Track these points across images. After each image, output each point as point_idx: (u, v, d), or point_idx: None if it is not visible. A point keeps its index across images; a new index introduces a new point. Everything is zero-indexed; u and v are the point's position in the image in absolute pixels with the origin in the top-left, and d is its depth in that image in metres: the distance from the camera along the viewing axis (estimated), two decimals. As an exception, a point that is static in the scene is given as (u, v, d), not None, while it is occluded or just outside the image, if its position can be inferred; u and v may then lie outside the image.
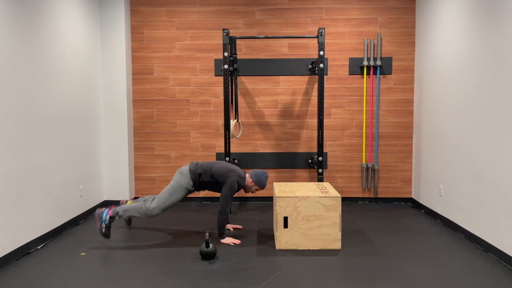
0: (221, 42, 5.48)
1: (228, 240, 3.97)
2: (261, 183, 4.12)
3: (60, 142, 4.35)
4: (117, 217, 3.97)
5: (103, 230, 3.91)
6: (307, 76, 5.55)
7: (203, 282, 3.13)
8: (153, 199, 4.00)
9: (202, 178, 4.03)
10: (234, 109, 5.25)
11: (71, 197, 4.57)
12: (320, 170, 5.01)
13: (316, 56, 5.48)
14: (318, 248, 3.82)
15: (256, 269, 3.36)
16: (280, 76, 5.56)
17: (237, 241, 3.97)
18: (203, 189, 4.12)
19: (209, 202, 5.66)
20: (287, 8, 5.51)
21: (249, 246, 3.93)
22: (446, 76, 4.57)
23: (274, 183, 4.45)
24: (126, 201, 4.29)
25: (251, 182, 4.13)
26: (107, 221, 3.92)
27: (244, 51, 5.55)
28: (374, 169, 5.57)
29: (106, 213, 3.94)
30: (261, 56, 5.55)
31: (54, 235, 4.20)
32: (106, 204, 5.46)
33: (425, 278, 3.19)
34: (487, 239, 3.76)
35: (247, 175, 4.16)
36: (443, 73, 4.65)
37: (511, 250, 3.40)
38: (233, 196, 4.06)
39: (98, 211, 3.97)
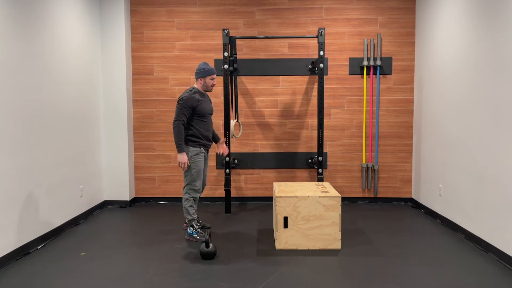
0: (221, 42, 5.48)
1: (184, 158, 3.93)
2: (203, 71, 4.04)
3: (60, 141, 4.35)
4: (194, 223, 4.09)
5: (200, 238, 4.03)
6: (307, 76, 5.55)
7: (203, 282, 3.13)
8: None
9: (192, 135, 4.07)
10: (234, 109, 5.25)
11: (71, 197, 4.57)
12: (320, 170, 5.01)
13: (316, 56, 5.48)
14: (318, 248, 3.82)
15: (256, 269, 3.36)
16: (280, 76, 5.56)
17: (185, 165, 3.94)
18: (204, 139, 4.11)
19: (209, 202, 5.66)
20: (287, 8, 5.51)
21: (249, 246, 3.93)
22: (446, 76, 4.57)
23: (274, 183, 4.45)
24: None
25: (200, 80, 4.08)
26: (194, 232, 4.07)
27: (244, 51, 5.55)
28: (374, 169, 5.57)
29: (188, 229, 4.10)
30: (261, 56, 5.55)
31: (54, 235, 4.20)
32: (106, 204, 5.46)
33: (425, 278, 3.19)
34: (487, 239, 3.76)
35: (194, 85, 4.14)
36: (443, 73, 4.65)
37: (511, 250, 3.40)
38: (185, 120, 3.98)
39: (186, 236, 4.14)
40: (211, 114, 4.21)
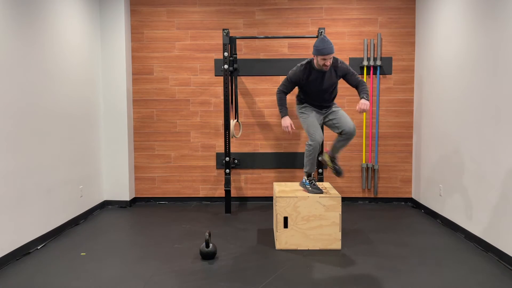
0: (221, 42, 5.48)
1: (286, 122, 3.95)
2: (315, 49, 3.70)
3: (60, 142, 4.35)
4: (311, 176, 3.99)
5: (312, 189, 3.91)
6: (307, 76, 5.55)
7: (203, 282, 3.13)
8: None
9: (299, 97, 4.12)
10: (234, 109, 5.25)
11: (71, 197, 4.57)
12: (320, 170, 5.01)
13: (316, 56, 5.47)
14: (318, 248, 3.82)
15: (256, 269, 3.36)
16: (280, 76, 5.55)
17: (288, 128, 3.93)
18: (309, 101, 4.03)
19: (209, 202, 5.66)
20: (287, 8, 5.51)
21: (249, 246, 3.93)
22: (446, 76, 4.57)
23: (274, 183, 4.45)
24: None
25: (314, 57, 3.80)
26: (307, 182, 3.96)
27: (244, 51, 5.55)
28: (374, 169, 5.57)
29: (303, 179, 4.00)
30: (261, 56, 5.55)
31: (54, 235, 4.20)
32: (106, 204, 5.46)
33: (425, 278, 3.19)
34: (487, 239, 3.76)
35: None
36: (443, 73, 4.65)
37: (511, 250, 3.40)
38: (287, 91, 4.04)
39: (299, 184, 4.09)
40: (325, 91, 3.90)
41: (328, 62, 3.71)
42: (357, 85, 3.87)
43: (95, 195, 5.20)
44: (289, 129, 3.94)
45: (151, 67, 5.59)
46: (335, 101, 4.13)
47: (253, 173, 5.67)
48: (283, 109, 3.99)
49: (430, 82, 5.01)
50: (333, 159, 4.09)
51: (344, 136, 3.95)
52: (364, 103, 3.73)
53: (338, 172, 4.09)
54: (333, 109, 4.03)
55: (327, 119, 4.04)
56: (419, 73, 5.34)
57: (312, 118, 3.96)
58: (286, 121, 3.95)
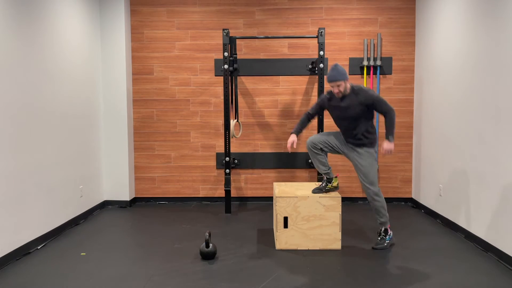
0: (221, 42, 5.48)
1: (290, 139, 3.95)
2: (327, 77, 3.77)
3: (60, 142, 4.35)
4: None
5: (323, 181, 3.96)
6: (307, 76, 5.55)
7: (203, 282, 3.13)
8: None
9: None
10: (234, 109, 5.25)
11: (71, 197, 4.57)
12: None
13: (316, 56, 5.47)
14: (318, 248, 3.82)
15: (256, 269, 3.36)
16: (280, 76, 5.55)
17: (289, 146, 3.92)
18: (346, 136, 3.90)
19: (209, 202, 5.66)
20: (287, 8, 5.51)
21: (249, 246, 3.93)
22: (446, 76, 4.57)
23: (274, 183, 4.45)
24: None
25: None
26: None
27: (244, 51, 5.55)
28: (374, 169, 5.57)
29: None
30: (261, 56, 5.55)
31: (54, 235, 4.20)
32: (106, 204, 5.46)
33: (425, 278, 3.19)
34: (487, 239, 3.76)
35: None
36: (443, 73, 4.65)
37: (511, 250, 3.40)
38: (314, 114, 4.06)
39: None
40: (344, 118, 3.80)
41: (336, 89, 3.70)
42: (385, 114, 3.72)
43: (95, 195, 5.20)
44: (289, 146, 3.94)
45: (151, 67, 5.59)
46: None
47: (253, 173, 5.67)
48: (295, 127, 4.04)
49: (430, 82, 5.01)
50: (380, 232, 3.92)
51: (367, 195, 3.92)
52: (388, 149, 3.69)
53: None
54: (360, 150, 3.82)
55: (350, 158, 3.92)
56: (419, 73, 5.34)
57: (328, 133, 4.00)
58: (290, 139, 3.97)
